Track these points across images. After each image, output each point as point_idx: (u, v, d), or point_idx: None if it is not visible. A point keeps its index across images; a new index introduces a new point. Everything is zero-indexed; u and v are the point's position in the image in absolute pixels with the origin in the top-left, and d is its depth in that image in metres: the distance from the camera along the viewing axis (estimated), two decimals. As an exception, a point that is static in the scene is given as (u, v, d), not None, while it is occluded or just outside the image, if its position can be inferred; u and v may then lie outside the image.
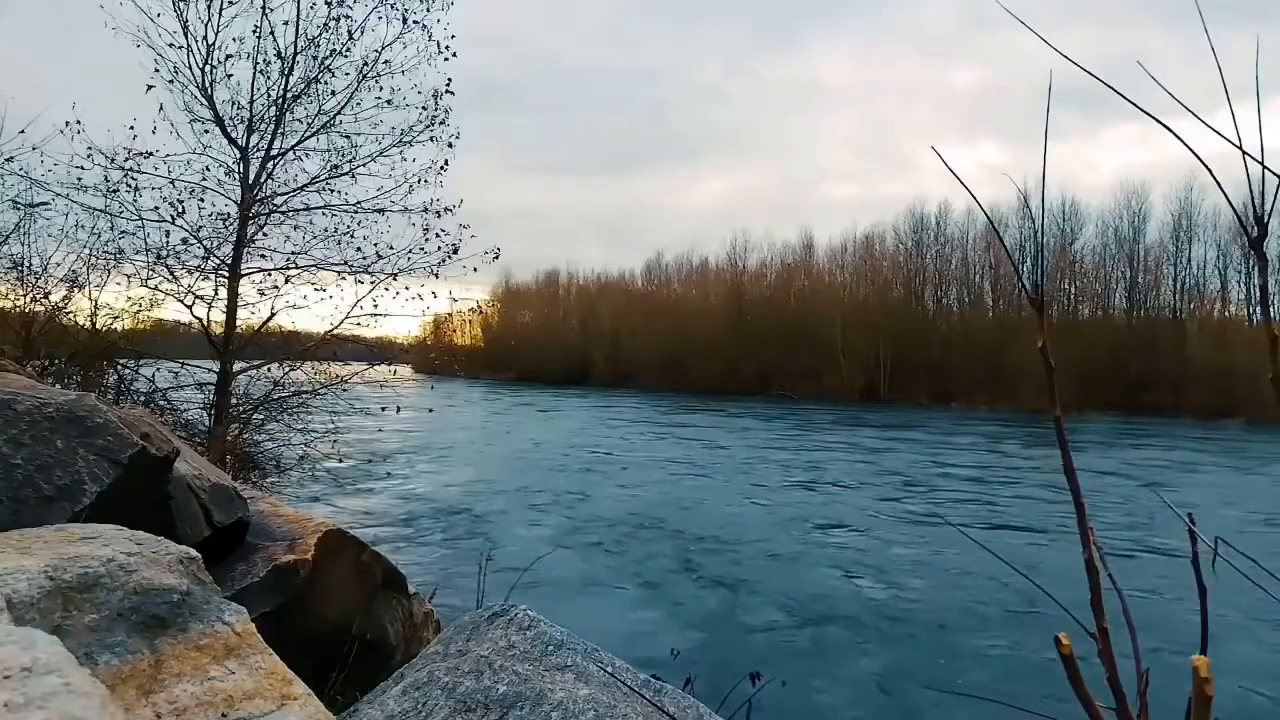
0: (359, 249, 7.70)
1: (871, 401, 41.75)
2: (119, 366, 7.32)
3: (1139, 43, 61.94)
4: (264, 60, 7.25)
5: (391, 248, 7.69)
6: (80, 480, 1.99)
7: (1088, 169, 67.91)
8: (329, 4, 7.28)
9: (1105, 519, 10.16)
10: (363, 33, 7.43)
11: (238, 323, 7.44)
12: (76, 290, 7.13)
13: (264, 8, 7.11)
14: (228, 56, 7.14)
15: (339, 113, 7.57)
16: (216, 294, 7.35)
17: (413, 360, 10.76)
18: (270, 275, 7.59)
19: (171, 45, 6.95)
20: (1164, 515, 10.24)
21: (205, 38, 7.00)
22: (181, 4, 6.87)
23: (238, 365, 7.54)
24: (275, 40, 7.21)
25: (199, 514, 2.55)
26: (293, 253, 7.66)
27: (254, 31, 7.15)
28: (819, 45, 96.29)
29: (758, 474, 14.41)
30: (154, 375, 7.56)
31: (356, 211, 7.72)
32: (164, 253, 7.14)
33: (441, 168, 7.74)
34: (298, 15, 7.21)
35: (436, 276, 7.79)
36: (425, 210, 7.71)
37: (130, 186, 6.98)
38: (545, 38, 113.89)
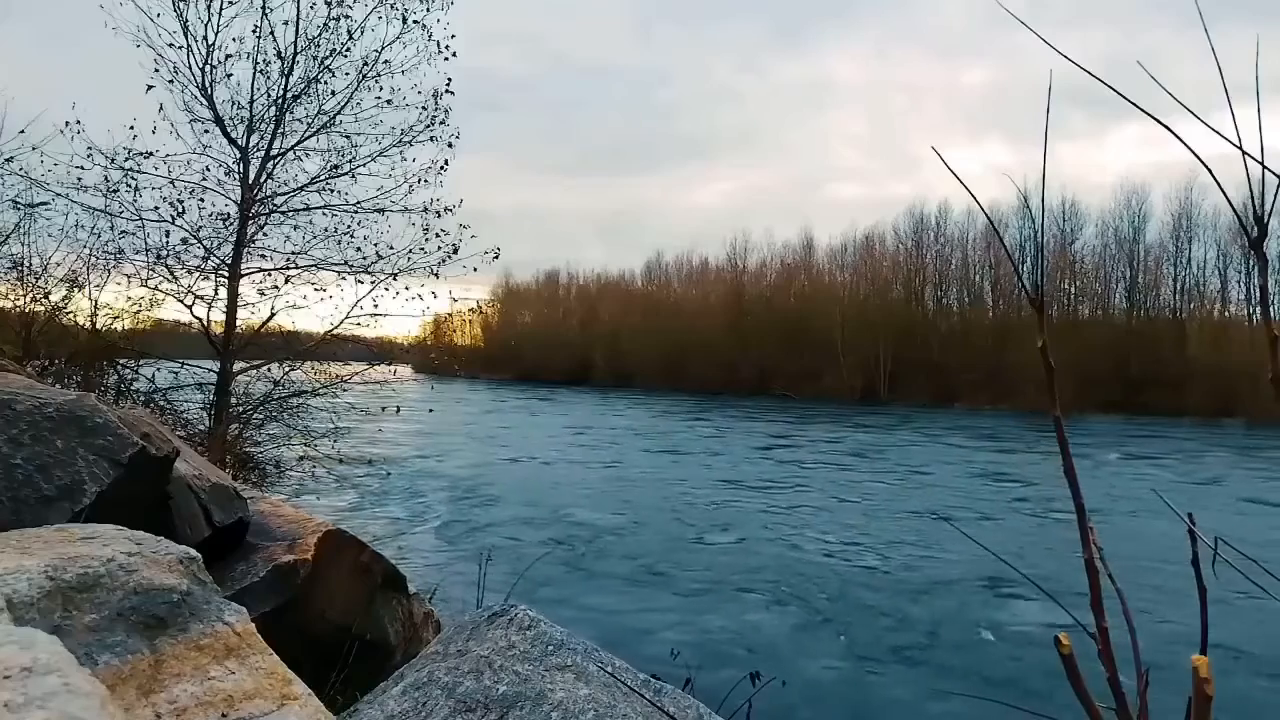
0: (359, 249, 7.72)
1: (872, 401, 41.70)
2: (119, 366, 7.32)
3: (1146, 43, 61.94)
4: (264, 60, 7.26)
5: (391, 248, 7.71)
6: (80, 480, 1.99)
7: (1094, 169, 67.88)
8: (329, 4, 7.30)
9: (1105, 519, 10.16)
10: (362, 33, 7.44)
11: (238, 323, 7.45)
12: (76, 290, 7.14)
13: (264, 8, 7.12)
14: (227, 56, 7.15)
15: (339, 113, 7.58)
16: (216, 294, 7.36)
17: (413, 360, 10.76)
18: (270, 275, 7.61)
19: (171, 45, 6.97)
20: (1164, 515, 10.24)
21: (205, 38, 7.01)
22: (181, 4, 6.88)
23: (238, 365, 7.54)
24: (275, 40, 7.22)
25: (199, 514, 2.55)
26: (293, 253, 7.67)
27: (254, 31, 7.16)
28: (831, 45, 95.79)
29: (757, 474, 14.40)
30: (154, 375, 7.56)
31: (356, 211, 7.73)
32: (164, 253, 7.15)
33: (441, 168, 7.75)
34: (298, 15, 7.22)
35: (436, 276, 7.80)
36: (425, 210, 7.72)
37: (130, 186, 6.99)
38: (557, 37, 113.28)
